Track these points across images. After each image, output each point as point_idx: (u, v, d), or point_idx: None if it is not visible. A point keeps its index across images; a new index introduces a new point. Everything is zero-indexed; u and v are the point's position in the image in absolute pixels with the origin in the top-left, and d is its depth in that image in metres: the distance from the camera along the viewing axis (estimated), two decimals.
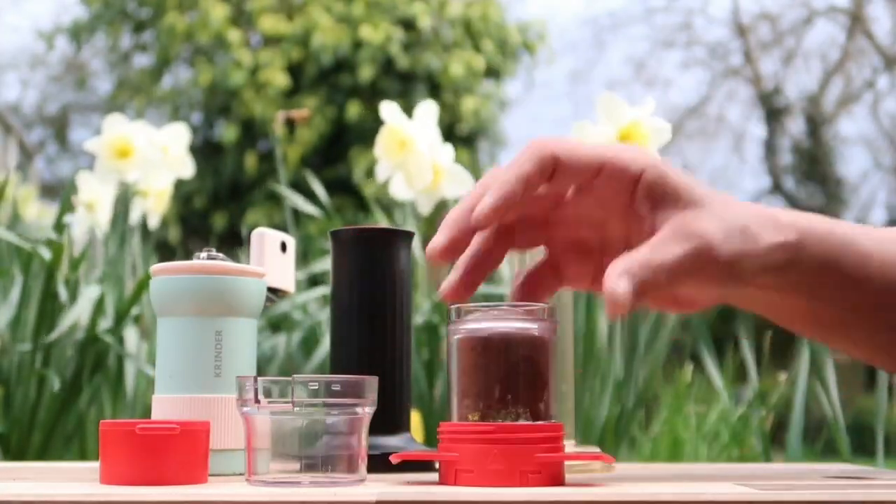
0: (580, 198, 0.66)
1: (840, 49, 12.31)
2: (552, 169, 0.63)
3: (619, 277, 0.59)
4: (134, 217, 1.86)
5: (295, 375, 0.59)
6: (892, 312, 0.69)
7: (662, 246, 0.61)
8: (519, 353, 0.60)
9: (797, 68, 12.52)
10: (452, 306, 0.62)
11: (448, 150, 1.69)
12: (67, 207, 1.67)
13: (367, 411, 0.61)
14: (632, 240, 0.65)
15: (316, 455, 0.60)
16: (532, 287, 0.68)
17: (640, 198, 0.63)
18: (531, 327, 0.61)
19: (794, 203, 12.04)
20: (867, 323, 0.70)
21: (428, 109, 1.68)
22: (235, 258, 0.86)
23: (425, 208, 1.71)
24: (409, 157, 1.63)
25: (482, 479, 0.58)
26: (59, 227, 1.61)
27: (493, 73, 9.93)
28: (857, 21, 12.07)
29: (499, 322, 0.61)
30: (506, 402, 0.60)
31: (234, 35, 9.41)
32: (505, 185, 0.62)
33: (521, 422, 0.60)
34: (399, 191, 1.70)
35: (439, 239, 0.63)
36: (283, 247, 0.86)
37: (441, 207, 1.78)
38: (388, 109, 1.65)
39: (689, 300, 0.70)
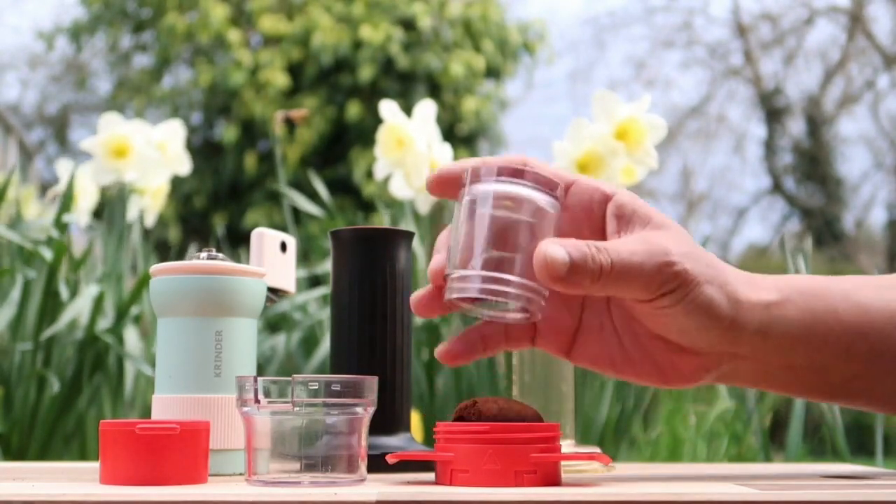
0: None
1: (840, 49, 12.31)
2: (522, 166, 0.63)
3: (552, 243, 0.60)
4: (131, 215, 1.85)
5: (295, 375, 0.59)
6: None
7: (622, 243, 0.61)
8: (521, 215, 0.60)
9: (798, 68, 12.51)
10: (469, 167, 0.63)
11: (446, 149, 1.70)
12: (67, 206, 1.67)
13: (367, 411, 0.61)
14: None
15: (316, 455, 0.60)
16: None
17: (609, 215, 0.63)
18: (539, 196, 0.61)
19: (794, 203, 12.04)
20: (875, 373, 0.67)
21: (427, 108, 1.68)
22: (236, 258, 0.86)
23: (424, 207, 1.72)
24: (408, 155, 1.64)
25: (477, 479, 0.58)
26: (60, 225, 1.61)
27: (493, 73, 9.92)
28: (857, 21, 12.06)
29: (509, 186, 0.61)
30: (500, 260, 0.60)
31: (234, 35, 9.41)
32: (458, 162, 0.64)
33: (509, 284, 0.60)
34: (398, 189, 1.70)
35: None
36: (283, 247, 0.86)
37: (440, 206, 1.78)
38: (388, 108, 1.66)
39: (669, 362, 0.66)
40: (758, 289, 0.64)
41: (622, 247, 0.60)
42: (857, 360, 0.66)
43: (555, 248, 0.59)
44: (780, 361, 0.66)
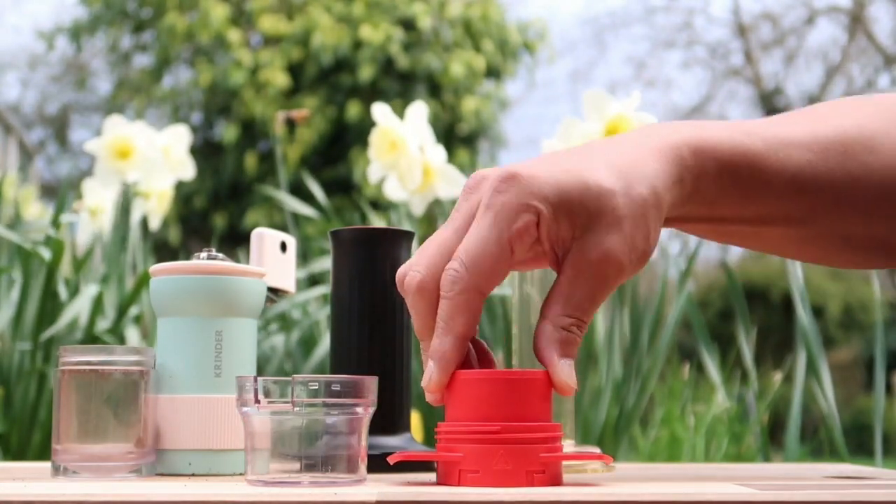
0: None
1: (841, 49, 12.31)
2: (483, 300, 0.60)
3: (553, 368, 0.59)
4: (135, 218, 1.86)
5: (295, 375, 0.59)
6: (798, 224, 0.68)
7: (574, 290, 0.59)
8: None
9: (798, 68, 12.52)
10: None
11: (440, 150, 1.70)
12: (65, 206, 1.67)
13: (367, 411, 0.61)
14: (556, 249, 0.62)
15: (316, 455, 0.60)
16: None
17: (549, 235, 0.60)
18: None
19: None
20: (779, 232, 0.69)
21: (419, 110, 1.68)
22: (236, 258, 0.86)
23: (418, 209, 1.72)
24: (401, 157, 1.64)
25: (488, 480, 0.57)
26: (57, 224, 1.61)
27: (493, 73, 9.92)
28: (858, 21, 12.06)
29: None
30: None
31: (234, 35, 9.41)
32: (446, 353, 0.59)
33: None
34: (393, 191, 1.71)
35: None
36: (283, 247, 0.86)
37: (434, 207, 1.79)
38: (380, 110, 1.66)
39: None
40: (670, 160, 0.62)
41: (582, 299, 0.59)
42: (751, 222, 0.68)
43: (557, 373, 0.59)
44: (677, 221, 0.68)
